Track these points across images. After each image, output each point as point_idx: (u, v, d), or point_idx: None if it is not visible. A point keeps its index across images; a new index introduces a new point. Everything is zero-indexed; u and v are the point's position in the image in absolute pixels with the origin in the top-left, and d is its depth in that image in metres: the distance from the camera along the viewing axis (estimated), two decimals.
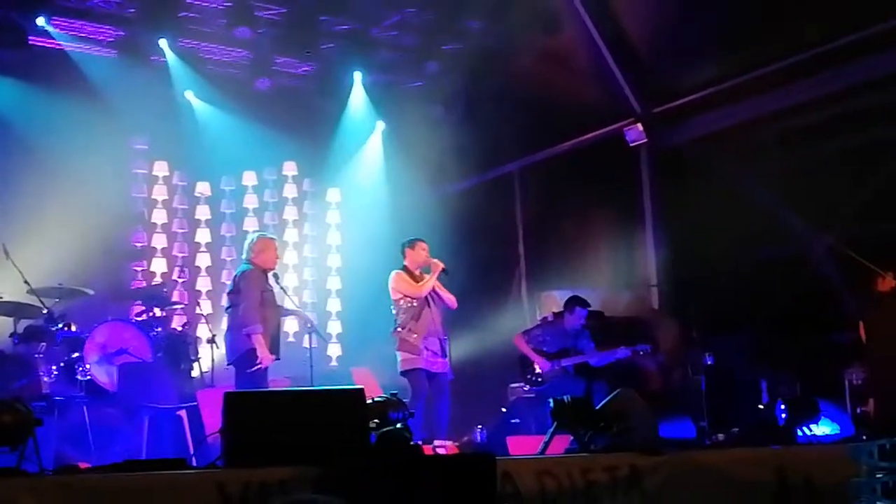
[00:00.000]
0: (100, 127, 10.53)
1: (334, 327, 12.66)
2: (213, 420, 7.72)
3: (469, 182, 12.69)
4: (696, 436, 8.52)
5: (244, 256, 8.36)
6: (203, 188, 12.10)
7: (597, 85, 11.43)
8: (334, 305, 12.79)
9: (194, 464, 6.91)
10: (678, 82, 11.04)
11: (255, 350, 7.93)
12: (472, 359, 10.68)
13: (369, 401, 6.06)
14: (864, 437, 6.54)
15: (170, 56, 11.28)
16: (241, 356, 8.01)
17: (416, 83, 12.67)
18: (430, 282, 8.45)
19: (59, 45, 10.79)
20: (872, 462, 4.93)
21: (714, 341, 9.30)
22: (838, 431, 8.40)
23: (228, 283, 8.84)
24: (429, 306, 8.45)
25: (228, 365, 8.26)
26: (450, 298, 8.59)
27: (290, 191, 12.75)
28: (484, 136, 11.59)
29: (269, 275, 8.37)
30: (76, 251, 9.95)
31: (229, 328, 8.24)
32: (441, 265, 8.47)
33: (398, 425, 5.98)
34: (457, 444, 8.68)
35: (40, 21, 10.48)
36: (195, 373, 9.63)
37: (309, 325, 9.25)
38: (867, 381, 8.66)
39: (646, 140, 11.14)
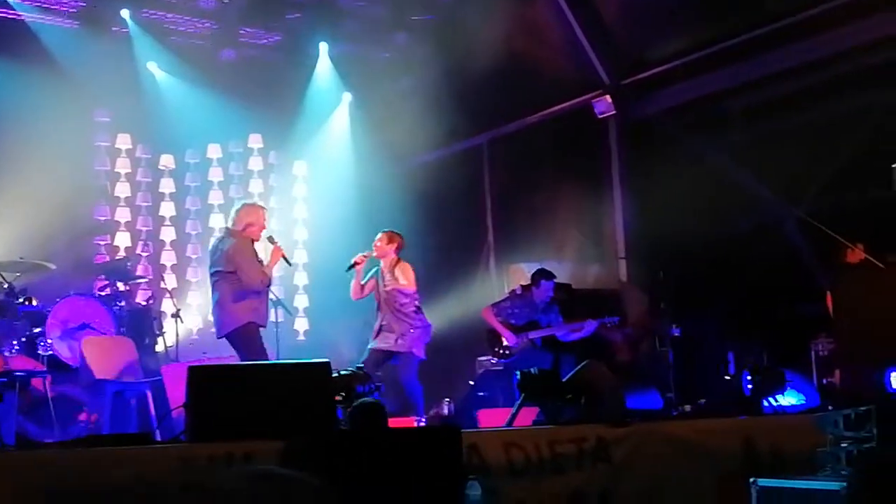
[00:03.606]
0: (61, 99, 10.34)
1: (301, 301, 12.57)
2: (177, 395, 7.66)
3: (437, 154, 12.60)
4: (663, 407, 8.55)
5: (229, 226, 7.87)
6: (167, 161, 11.95)
7: (566, 57, 11.37)
8: (301, 279, 12.70)
9: (159, 438, 6.86)
10: (646, 54, 11.01)
11: (252, 324, 7.70)
12: (439, 332, 10.62)
13: (335, 374, 6.01)
14: (830, 408, 6.57)
15: (132, 27, 11.12)
16: (237, 329, 7.72)
17: (383, 54, 12.55)
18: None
19: (19, 14, 10.60)
20: (838, 431, 4.94)
21: (682, 313, 9.31)
22: (804, 402, 8.47)
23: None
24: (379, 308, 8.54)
25: (220, 338, 7.91)
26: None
27: (255, 164, 12.62)
28: (452, 108, 11.50)
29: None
30: (37, 225, 9.80)
31: (220, 301, 7.74)
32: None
33: (369, 397, 5.94)
34: (423, 417, 8.65)
35: None
36: (159, 347, 9.55)
37: (275, 299, 9.15)
38: (834, 351, 8.72)
39: (614, 112, 11.09)
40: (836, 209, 9.27)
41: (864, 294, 8.37)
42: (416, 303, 8.53)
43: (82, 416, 8.37)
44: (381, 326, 8.45)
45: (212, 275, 7.82)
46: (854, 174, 9.20)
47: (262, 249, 7.97)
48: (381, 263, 8.55)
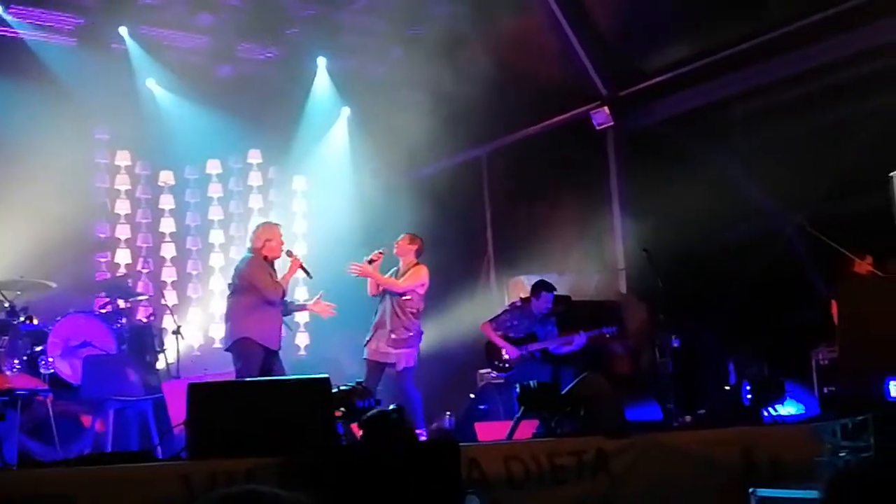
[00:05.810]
0: (60, 117, 10.37)
1: (302, 316, 12.54)
2: (179, 412, 7.66)
3: (436, 167, 12.64)
4: (663, 418, 8.54)
5: (248, 245, 8.17)
6: (166, 177, 11.97)
7: (563, 68, 11.41)
8: (301, 294, 12.67)
9: (160, 456, 6.87)
10: (644, 65, 11.06)
11: (249, 340, 7.77)
12: (440, 345, 10.65)
13: (335, 389, 6.03)
14: (833, 417, 6.57)
15: (130, 44, 11.16)
16: (234, 342, 7.87)
17: (381, 68, 12.59)
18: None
19: (17, 33, 10.64)
20: (835, 441, 4.96)
21: (681, 323, 9.31)
22: (803, 411, 8.47)
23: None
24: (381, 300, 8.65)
25: (225, 350, 8.09)
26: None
27: (255, 179, 12.65)
28: (451, 121, 11.53)
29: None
30: (38, 243, 9.79)
31: (226, 314, 8.08)
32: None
33: (387, 409, 5.93)
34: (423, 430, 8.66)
35: None
36: (160, 364, 9.54)
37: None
38: (836, 360, 8.71)
39: (612, 123, 11.12)
40: (838, 217, 9.26)
41: (870, 303, 8.37)
42: (419, 307, 8.58)
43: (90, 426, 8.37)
44: (376, 323, 8.55)
45: (228, 287, 8.16)
46: (856, 182, 9.19)
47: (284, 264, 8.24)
48: (400, 263, 8.71)
